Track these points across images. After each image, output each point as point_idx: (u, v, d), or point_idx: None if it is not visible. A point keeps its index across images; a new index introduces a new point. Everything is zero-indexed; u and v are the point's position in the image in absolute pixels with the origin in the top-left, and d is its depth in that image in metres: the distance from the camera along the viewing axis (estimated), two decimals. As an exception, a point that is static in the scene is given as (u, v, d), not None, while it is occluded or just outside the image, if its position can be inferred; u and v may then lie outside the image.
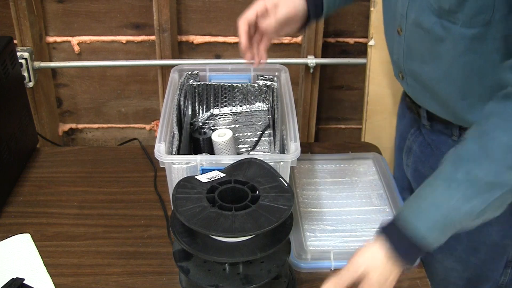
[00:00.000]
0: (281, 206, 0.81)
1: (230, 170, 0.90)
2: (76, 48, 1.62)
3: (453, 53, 0.84)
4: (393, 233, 0.76)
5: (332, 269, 1.01)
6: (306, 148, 1.35)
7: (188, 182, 0.87)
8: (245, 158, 0.91)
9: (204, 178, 0.87)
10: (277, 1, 0.94)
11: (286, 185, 0.85)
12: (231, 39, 1.61)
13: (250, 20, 0.93)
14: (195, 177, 0.88)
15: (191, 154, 1.10)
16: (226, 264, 0.83)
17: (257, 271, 0.83)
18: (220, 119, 1.20)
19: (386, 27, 0.99)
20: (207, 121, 1.20)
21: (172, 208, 0.83)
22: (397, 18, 0.92)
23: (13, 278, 0.97)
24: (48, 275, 1.00)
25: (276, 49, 1.61)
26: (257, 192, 0.84)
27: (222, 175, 0.89)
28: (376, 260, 0.76)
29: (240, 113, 1.21)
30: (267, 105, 1.20)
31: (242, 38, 0.94)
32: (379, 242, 0.77)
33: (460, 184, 0.71)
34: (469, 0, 0.77)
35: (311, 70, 1.59)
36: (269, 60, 1.57)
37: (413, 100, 1.01)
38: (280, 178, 0.87)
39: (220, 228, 0.77)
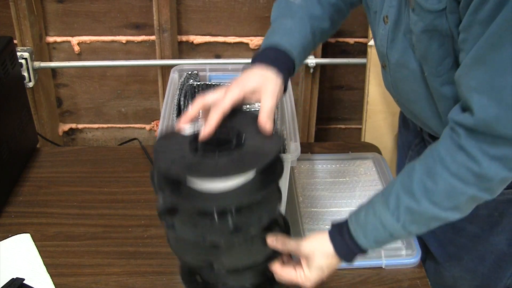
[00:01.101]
0: (268, 150, 0.75)
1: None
2: (76, 48, 1.62)
3: (431, 95, 0.84)
4: (342, 242, 0.80)
5: (332, 269, 1.01)
6: (306, 148, 1.35)
7: (171, 136, 0.81)
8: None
9: (187, 131, 0.81)
10: (257, 88, 0.81)
11: (274, 131, 0.79)
12: (231, 39, 1.61)
13: (226, 113, 0.79)
14: (179, 131, 0.81)
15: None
16: (214, 216, 0.77)
17: (247, 219, 0.77)
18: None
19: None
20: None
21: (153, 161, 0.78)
22: (379, 55, 0.91)
23: (13, 278, 0.97)
24: (48, 275, 1.00)
25: (276, 49, 1.61)
26: (242, 138, 0.78)
27: None
28: (324, 250, 0.81)
29: (240, 113, 1.21)
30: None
31: (211, 127, 0.78)
32: (329, 238, 0.81)
33: (404, 213, 0.75)
34: (431, 51, 0.77)
35: (311, 70, 1.59)
36: (269, 60, 1.57)
37: None
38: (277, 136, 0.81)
39: (204, 170, 0.71)
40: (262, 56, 0.85)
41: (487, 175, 0.69)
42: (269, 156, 0.74)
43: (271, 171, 0.78)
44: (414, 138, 1.07)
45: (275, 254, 0.84)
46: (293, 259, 0.85)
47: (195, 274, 0.88)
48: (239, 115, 0.82)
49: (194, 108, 0.81)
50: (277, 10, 0.94)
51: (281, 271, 0.83)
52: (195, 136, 0.79)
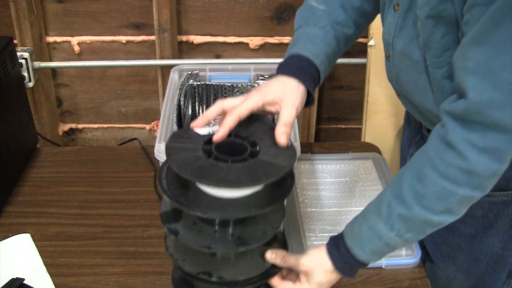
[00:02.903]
0: (281, 163, 0.74)
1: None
2: (76, 48, 1.62)
3: (432, 87, 0.84)
4: (340, 256, 0.80)
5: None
6: (306, 148, 1.35)
7: (185, 133, 0.80)
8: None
9: (202, 130, 0.81)
10: (277, 98, 0.80)
11: (289, 143, 0.79)
12: (231, 39, 1.61)
13: (242, 118, 0.79)
14: (194, 129, 0.81)
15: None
16: (218, 225, 0.77)
17: (252, 232, 0.77)
18: (220, 119, 1.20)
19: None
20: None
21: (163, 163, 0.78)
22: (385, 44, 0.91)
23: (13, 278, 0.97)
24: (48, 275, 1.00)
25: (276, 49, 1.61)
26: (257, 148, 0.78)
27: None
28: (323, 266, 0.81)
29: (240, 113, 1.21)
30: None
31: (225, 130, 0.78)
32: (327, 253, 0.81)
33: (397, 221, 0.75)
34: (434, 39, 0.76)
35: (311, 70, 1.59)
36: (269, 60, 1.58)
37: None
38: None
39: (214, 177, 0.70)
40: (285, 66, 0.85)
41: (476, 170, 0.68)
42: (281, 171, 0.73)
43: (281, 185, 0.77)
44: (415, 135, 1.07)
45: (275, 269, 0.83)
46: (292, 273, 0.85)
47: (189, 283, 0.85)
48: (258, 124, 0.82)
49: (212, 110, 0.81)
50: (301, 17, 0.93)
51: (280, 286, 0.82)
52: (210, 138, 0.78)
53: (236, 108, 0.78)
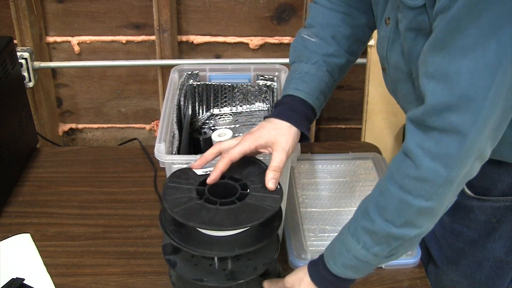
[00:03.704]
0: (266, 207, 0.80)
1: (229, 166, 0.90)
2: (76, 48, 1.62)
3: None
4: (317, 269, 0.84)
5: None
6: (306, 148, 1.35)
7: (183, 173, 0.87)
8: (245, 157, 0.91)
9: (200, 171, 0.87)
10: (269, 142, 0.85)
11: (278, 186, 0.84)
12: (231, 39, 1.61)
13: (233, 161, 0.84)
14: (193, 169, 0.88)
15: (191, 154, 1.10)
16: (213, 259, 0.83)
17: (244, 267, 0.83)
18: (220, 119, 1.20)
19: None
20: (207, 121, 1.20)
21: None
22: (380, 57, 0.91)
23: (13, 278, 0.97)
24: (48, 275, 1.00)
25: (276, 49, 1.61)
26: (247, 190, 0.84)
27: None
28: (302, 281, 0.85)
29: (240, 113, 1.21)
30: (267, 105, 1.20)
31: (217, 173, 0.83)
32: (307, 268, 0.85)
33: (362, 234, 0.77)
34: (415, 52, 0.76)
35: (311, 70, 1.59)
36: (269, 60, 1.58)
37: None
38: None
39: (200, 219, 0.77)
40: (279, 107, 0.89)
41: (428, 178, 0.68)
42: (265, 214, 0.79)
43: (268, 225, 0.82)
44: None
45: None
46: None
47: None
48: (252, 167, 0.88)
49: (209, 152, 0.87)
50: (294, 51, 0.96)
51: None
52: (205, 179, 0.85)
53: (228, 152, 0.84)
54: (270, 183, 0.82)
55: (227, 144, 0.86)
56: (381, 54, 0.89)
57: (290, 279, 0.87)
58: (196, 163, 0.86)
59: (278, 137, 0.84)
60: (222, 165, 0.83)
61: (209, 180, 0.83)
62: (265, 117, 0.91)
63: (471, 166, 0.69)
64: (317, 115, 0.92)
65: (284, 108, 0.88)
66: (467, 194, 0.93)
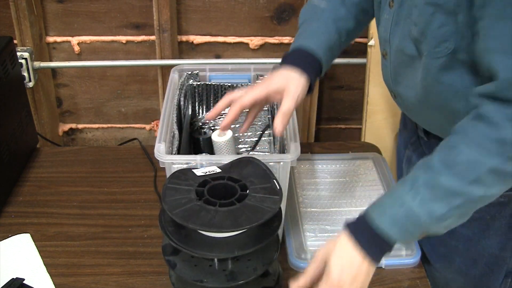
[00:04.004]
0: (265, 208, 0.80)
1: (228, 167, 0.90)
2: (76, 48, 1.62)
3: (428, 82, 0.84)
4: (357, 227, 0.76)
5: (332, 269, 1.01)
6: (306, 148, 1.35)
7: (183, 174, 0.87)
8: (244, 157, 0.91)
9: (199, 171, 0.87)
10: (280, 88, 0.87)
11: (278, 187, 0.84)
12: (231, 39, 1.61)
13: (244, 107, 0.87)
14: (192, 170, 0.88)
15: (191, 154, 1.10)
16: (213, 260, 0.83)
17: (244, 268, 0.83)
18: (220, 119, 1.20)
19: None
20: (207, 121, 1.20)
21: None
22: (382, 42, 0.92)
23: (13, 278, 0.97)
24: (48, 275, 1.00)
25: (276, 49, 1.61)
26: (247, 191, 0.84)
27: (219, 170, 0.89)
28: (338, 240, 0.76)
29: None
30: (267, 105, 1.20)
31: (228, 118, 0.88)
32: (344, 235, 0.77)
33: (422, 187, 0.72)
34: (431, 29, 0.76)
35: (311, 70, 1.59)
36: (269, 60, 1.58)
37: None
38: (274, 180, 0.86)
39: (199, 221, 0.77)
40: (288, 58, 0.91)
41: (507, 139, 0.68)
42: (264, 216, 0.79)
43: (268, 226, 0.82)
44: (411, 136, 1.07)
45: None
46: None
47: None
48: (252, 168, 0.88)
49: (222, 102, 0.89)
50: (304, 15, 0.99)
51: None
52: (205, 180, 0.85)
53: (240, 98, 0.85)
54: (278, 127, 0.83)
55: (238, 93, 0.88)
56: (383, 38, 0.90)
57: (323, 249, 0.78)
58: (210, 113, 0.89)
59: (289, 84, 0.87)
60: (233, 110, 0.85)
61: (222, 126, 0.88)
62: (273, 68, 0.93)
63: None
64: (323, 72, 0.93)
65: (293, 58, 0.91)
66: None
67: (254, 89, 0.87)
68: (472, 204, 0.74)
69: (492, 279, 1.01)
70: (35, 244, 1.07)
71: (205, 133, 1.16)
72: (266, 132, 1.19)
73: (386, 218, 0.74)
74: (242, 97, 0.86)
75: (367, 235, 0.75)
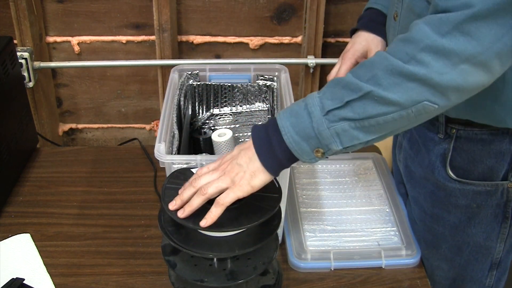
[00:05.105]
0: (265, 207, 0.81)
1: None
2: (76, 48, 1.62)
3: None
4: (260, 129, 0.81)
5: (332, 269, 1.01)
6: (306, 148, 1.35)
7: (182, 174, 0.87)
8: None
9: None
10: (365, 51, 1.01)
11: (277, 185, 0.84)
12: (231, 39, 1.61)
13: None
14: (191, 169, 0.88)
15: (191, 154, 1.10)
16: (213, 260, 0.83)
17: (243, 267, 0.83)
18: (220, 119, 1.21)
19: (388, 17, 1.02)
20: (207, 121, 1.20)
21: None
22: (395, 3, 0.93)
23: (13, 278, 0.97)
24: (48, 275, 1.00)
25: (276, 49, 1.61)
26: None
27: None
28: (243, 146, 0.81)
29: (240, 113, 1.21)
30: (267, 105, 1.20)
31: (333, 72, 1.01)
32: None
33: (326, 87, 0.77)
34: None
35: (311, 70, 1.59)
36: (269, 60, 1.58)
37: None
38: (273, 179, 0.86)
39: (199, 221, 0.77)
40: (362, 21, 1.04)
41: (413, 38, 0.70)
42: (264, 215, 0.79)
43: (268, 225, 0.82)
44: None
45: None
46: None
47: None
48: None
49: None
50: None
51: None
52: None
53: (338, 74, 0.98)
54: None
55: (333, 72, 1.01)
56: None
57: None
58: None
59: (370, 46, 1.01)
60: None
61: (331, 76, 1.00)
62: (351, 32, 1.06)
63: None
64: None
65: (366, 20, 1.04)
66: (449, 176, 0.94)
67: (345, 62, 0.99)
68: (367, 107, 0.73)
69: (476, 269, 1.01)
70: (35, 244, 1.07)
71: (205, 133, 1.16)
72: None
73: (286, 111, 0.78)
74: (340, 73, 0.98)
75: (265, 128, 0.79)
